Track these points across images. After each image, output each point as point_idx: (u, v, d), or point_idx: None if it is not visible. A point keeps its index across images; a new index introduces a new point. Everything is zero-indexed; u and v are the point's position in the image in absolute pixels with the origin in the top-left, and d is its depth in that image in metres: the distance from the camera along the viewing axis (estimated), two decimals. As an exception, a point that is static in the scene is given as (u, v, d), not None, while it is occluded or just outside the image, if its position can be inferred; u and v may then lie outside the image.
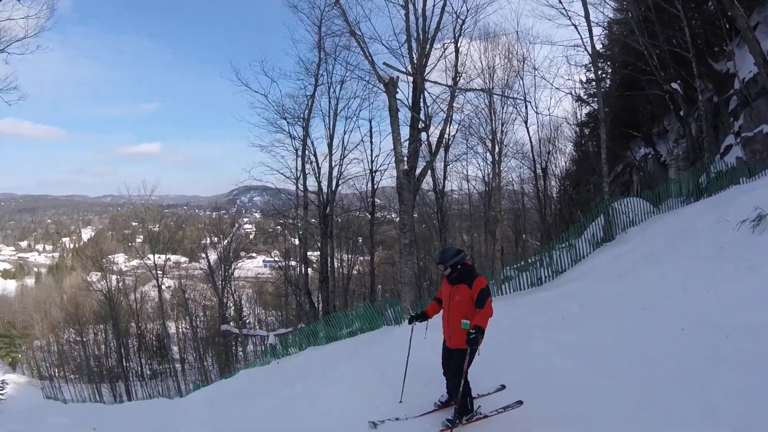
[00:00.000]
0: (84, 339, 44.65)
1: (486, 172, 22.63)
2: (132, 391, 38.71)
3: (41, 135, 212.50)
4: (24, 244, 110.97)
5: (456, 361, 5.27)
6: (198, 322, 42.89)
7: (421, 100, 13.87)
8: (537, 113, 21.78)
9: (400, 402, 6.27)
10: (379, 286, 25.50)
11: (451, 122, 15.54)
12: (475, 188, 24.05)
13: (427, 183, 18.93)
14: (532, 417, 5.30)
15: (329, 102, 21.85)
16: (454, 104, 15.01)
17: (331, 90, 21.73)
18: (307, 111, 21.25)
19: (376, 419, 5.84)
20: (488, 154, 21.34)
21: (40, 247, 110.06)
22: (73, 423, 23.91)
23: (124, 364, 40.73)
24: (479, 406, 5.62)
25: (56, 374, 46.29)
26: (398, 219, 15.10)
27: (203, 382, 29.74)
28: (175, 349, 43.54)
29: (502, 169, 20.80)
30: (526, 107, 21.21)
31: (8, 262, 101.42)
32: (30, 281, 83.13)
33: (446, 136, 16.72)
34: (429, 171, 16.07)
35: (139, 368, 42.46)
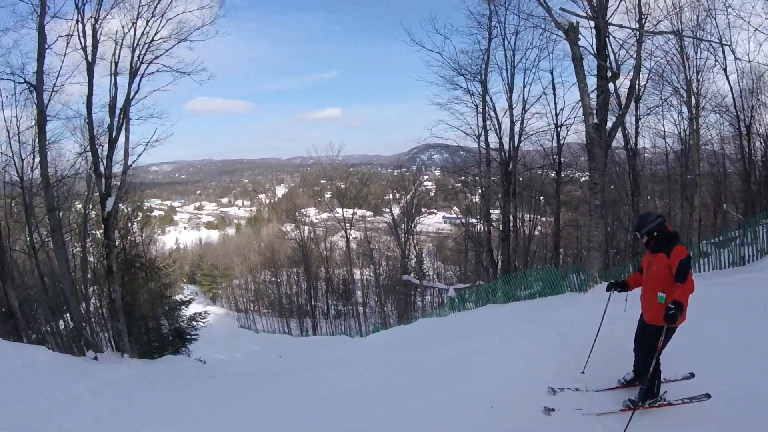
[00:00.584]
0: (278, 279, 51.63)
1: (682, 127, 19.49)
2: (317, 327, 43.62)
3: (233, 108, 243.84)
4: (224, 200, 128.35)
5: (650, 338, 4.80)
6: (381, 271, 45.87)
7: (607, 46, 12.39)
8: (736, 59, 17.79)
9: (582, 372, 5.93)
10: (562, 250, 24.11)
11: (640, 71, 13.62)
12: (671, 147, 21.00)
13: (616, 140, 16.91)
14: (717, 415, 4.69)
15: (505, 54, 20.73)
16: (643, 50, 13.08)
17: (506, 42, 20.53)
18: (483, 65, 20.48)
19: (556, 386, 5.61)
20: (683, 106, 18.44)
21: (239, 202, 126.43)
22: (263, 349, 27.91)
23: (312, 303, 46.05)
24: (665, 392, 5.07)
25: (251, 308, 54.51)
26: (587, 178, 14.05)
27: (382, 325, 32.00)
28: (359, 293, 47.59)
29: (700, 125, 17.84)
30: (723, 51, 17.49)
31: (212, 216, 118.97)
32: (231, 231, 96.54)
33: (636, 86, 14.66)
34: (619, 126, 14.44)
35: (325, 308, 47.77)
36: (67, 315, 14.64)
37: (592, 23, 12.21)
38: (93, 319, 17.51)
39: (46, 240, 16.43)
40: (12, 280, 12.66)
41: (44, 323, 14.99)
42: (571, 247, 27.06)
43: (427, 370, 7.93)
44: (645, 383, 4.83)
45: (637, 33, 12.85)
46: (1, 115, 15.45)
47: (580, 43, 12.02)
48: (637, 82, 13.83)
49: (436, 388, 6.73)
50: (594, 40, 12.30)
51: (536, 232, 25.88)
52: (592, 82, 12.60)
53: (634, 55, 12.86)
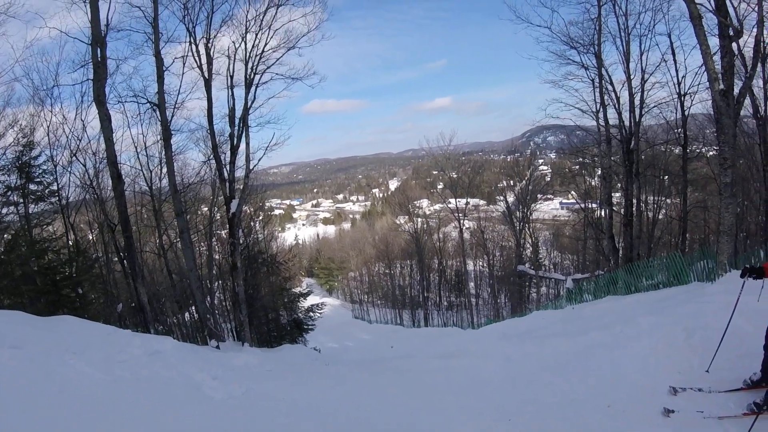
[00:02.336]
0: (391, 272, 52.89)
1: None
2: (429, 318, 43.82)
3: (345, 108, 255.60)
4: (340, 197, 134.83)
5: None
6: (494, 261, 45.04)
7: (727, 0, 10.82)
8: None
9: (707, 371, 5.48)
10: (688, 235, 21.79)
11: (764, 25, 11.72)
12: None
13: (744, 107, 14.77)
14: None
15: (617, 21, 18.88)
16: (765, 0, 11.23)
17: (617, 7, 18.64)
18: (596, 35, 18.89)
19: (678, 385, 5.30)
20: None
21: (354, 198, 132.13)
22: (376, 339, 28.49)
23: (425, 294, 46.56)
24: None
25: (365, 299, 56.26)
26: (716, 152, 12.45)
27: (495, 317, 31.28)
28: (472, 284, 47.22)
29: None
30: None
31: (328, 212, 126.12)
32: (346, 225, 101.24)
33: (762, 43, 12.66)
34: (747, 91, 12.60)
35: (438, 299, 47.90)
36: (193, 308, 16.11)
37: (708, -25, 10.78)
38: (217, 312, 19.10)
39: (175, 241, 18.25)
40: (142, 278, 14.21)
41: (171, 316, 16.68)
42: (698, 232, 24.36)
43: (541, 365, 7.72)
44: None
45: (757, -19, 11.13)
46: (128, 133, 17.42)
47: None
48: (762, 39, 11.97)
49: (550, 384, 6.61)
50: (711, -7, 10.85)
51: (661, 216, 23.58)
52: (713, 43, 11.13)
53: (756, 8, 11.15)
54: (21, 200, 14.33)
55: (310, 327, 22.43)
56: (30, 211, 14.63)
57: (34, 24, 22.63)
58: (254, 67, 15.96)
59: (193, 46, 15.38)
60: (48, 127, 16.27)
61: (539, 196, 45.01)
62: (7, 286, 12.12)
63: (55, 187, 15.68)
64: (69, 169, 16.84)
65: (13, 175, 14.25)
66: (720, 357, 5.43)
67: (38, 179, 14.76)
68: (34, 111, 16.09)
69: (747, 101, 15.37)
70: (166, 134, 14.77)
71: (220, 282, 21.73)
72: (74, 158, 16.82)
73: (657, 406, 5.01)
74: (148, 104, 15.17)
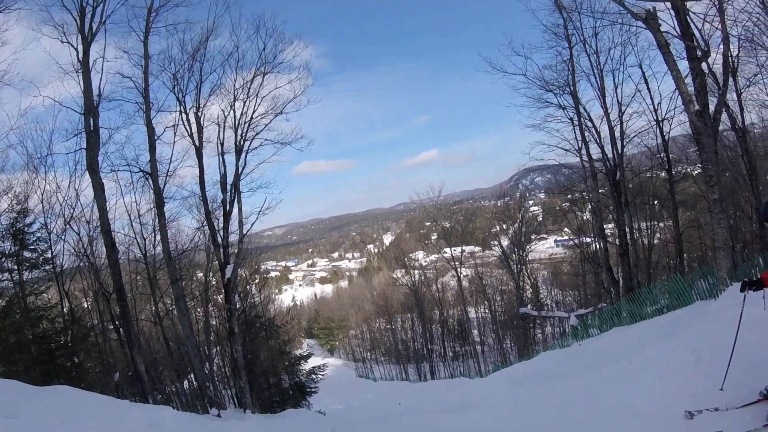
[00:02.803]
0: (392, 326, 52.38)
1: None
2: (435, 371, 42.96)
3: (335, 168, 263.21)
4: (335, 255, 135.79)
5: None
6: (496, 307, 44.54)
7: (690, 24, 11.34)
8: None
9: (721, 389, 5.34)
10: (685, 255, 21.81)
11: (729, 41, 12.26)
12: None
13: (722, 122, 15.17)
14: None
15: (589, 59, 19.65)
16: (726, 17, 11.77)
17: (588, 46, 19.47)
18: (569, 76, 19.61)
19: (693, 408, 5.18)
20: None
21: (349, 255, 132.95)
22: (381, 397, 27.73)
23: (429, 346, 45.81)
24: None
25: (368, 357, 55.32)
26: (700, 171, 12.64)
27: (503, 363, 30.63)
28: (476, 332, 46.44)
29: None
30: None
31: (324, 271, 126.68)
32: (344, 283, 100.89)
33: (729, 58, 13.16)
34: (722, 107, 13.01)
35: (442, 350, 47.05)
36: (191, 375, 15.67)
37: (668, 4, 11.32)
38: (216, 378, 18.62)
39: (171, 308, 18.02)
40: (139, 346, 13.92)
41: (169, 384, 16.18)
42: (695, 250, 24.41)
43: (551, 407, 7.58)
44: None
45: (716, 0, 11.70)
46: (122, 201, 17.54)
47: (661, 28, 11.15)
48: (729, 54, 12.44)
49: (563, 425, 6.53)
50: (675, 21, 11.35)
51: (656, 241, 23.62)
52: (684, 66, 11.63)
53: (719, 27, 11.68)
54: (15, 267, 14.11)
55: (313, 390, 21.86)
56: (24, 279, 14.40)
57: (29, 92, 23.19)
58: (244, 134, 16.35)
59: (184, 115, 15.80)
60: (42, 194, 16.40)
61: (533, 236, 45.23)
62: (1, 354, 11.81)
63: (49, 255, 15.55)
64: (63, 237, 16.81)
65: (7, 242, 14.10)
66: (732, 373, 5.32)
67: (32, 246, 14.59)
68: (28, 178, 16.28)
69: (724, 116, 15.81)
70: (159, 202, 14.87)
71: (218, 348, 21.27)
72: (68, 226, 16.83)
73: (675, 433, 4.82)
74: (141, 173, 15.35)
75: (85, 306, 19.41)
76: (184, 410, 12.80)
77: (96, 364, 15.45)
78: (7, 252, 14.05)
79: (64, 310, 16.04)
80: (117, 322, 16.25)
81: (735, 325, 5.38)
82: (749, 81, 17.25)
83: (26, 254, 14.35)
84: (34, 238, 14.76)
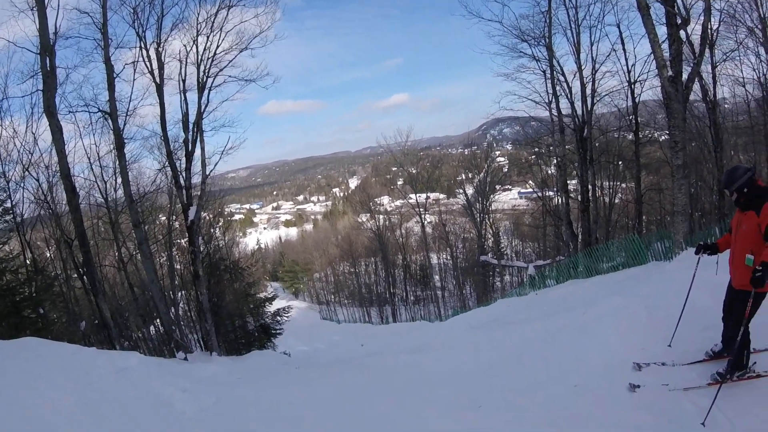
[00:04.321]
0: (356, 270, 53.04)
1: (761, 72, 17.52)
2: (397, 314, 44.14)
3: (303, 108, 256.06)
4: (300, 198, 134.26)
5: (738, 304, 4.45)
6: (458, 253, 45.65)
7: None
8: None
9: (669, 346, 5.68)
10: (644, 217, 22.63)
11: (711, 13, 12.32)
12: (752, 94, 18.91)
13: (694, 92, 15.41)
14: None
15: (567, 13, 19.46)
16: None
17: (567, 0, 19.46)
18: (546, 28, 19.43)
19: (641, 361, 5.46)
20: (761, 48, 16.55)
21: (314, 198, 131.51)
22: (345, 339, 28.51)
23: (391, 290, 46.78)
24: (755, 363, 4.75)
25: (332, 300, 56.34)
26: (667, 136, 12.99)
27: (462, 308, 31.69)
28: (437, 278, 47.57)
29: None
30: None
31: (289, 214, 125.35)
32: (308, 227, 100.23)
33: (709, 30, 13.24)
34: (696, 77, 13.19)
35: (404, 294, 48.26)
36: (158, 320, 15.67)
37: (653, -35, 11.23)
38: (182, 323, 18.62)
39: (134, 253, 17.67)
40: (103, 293, 13.74)
41: (136, 330, 16.17)
42: (654, 213, 25.35)
43: (508, 351, 7.78)
44: (732, 354, 4.55)
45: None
46: (81, 144, 16.80)
47: (644, -11, 11.06)
48: (709, 26, 12.53)
49: (518, 368, 6.68)
50: (659, -17, 11.30)
51: (617, 200, 24.37)
52: (662, 31, 11.60)
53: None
54: (-26, 220, 13.49)
55: (278, 331, 22.14)
56: (-17, 231, 13.84)
57: None
58: (206, 70, 15.54)
59: (144, 51, 14.87)
60: (-2, 141, 15.53)
61: (498, 187, 45.86)
62: None
63: (8, 204, 14.85)
64: (22, 185, 16.03)
65: None
66: (682, 331, 5.61)
67: (-9, 197, 13.96)
68: (-18, 125, 15.27)
69: (696, 86, 16.09)
70: (119, 143, 14.28)
71: (183, 292, 21.15)
72: (27, 173, 16.02)
73: (623, 383, 5.14)
74: (100, 113, 14.61)
75: (48, 255, 18.86)
76: (151, 355, 12.86)
77: (62, 314, 15.14)
78: (-36, 204, 13.35)
79: (27, 261, 15.54)
80: (81, 270, 15.83)
81: (688, 286, 5.65)
82: (726, 56, 17.53)
83: (-15, 205, 13.71)
84: (-7, 188, 14.07)
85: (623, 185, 25.56)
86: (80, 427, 5.16)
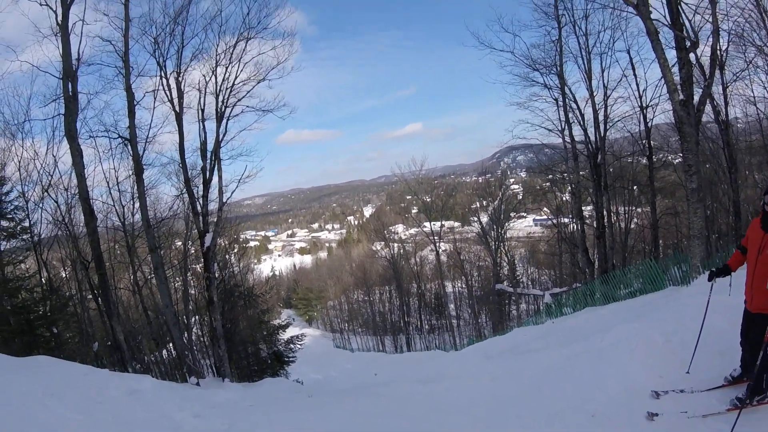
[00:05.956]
0: (371, 298, 52.72)
1: None
2: (411, 343, 43.63)
3: (318, 138, 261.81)
4: (315, 226, 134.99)
5: (757, 329, 4.35)
6: (473, 282, 45.11)
7: (681, 14, 11.40)
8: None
9: (687, 372, 5.53)
10: (661, 242, 22.32)
11: (719, 34, 12.40)
12: (764, 113, 18.78)
13: (706, 113, 15.33)
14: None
15: (578, 41, 19.68)
16: (718, 11, 11.87)
17: (577, 28, 19.48)
18: (557, 57, 19.69)
19: (659, 389, 5.30)
20: None
21: (329, 226, 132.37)
22: (359, 368, 28.19)
23: (406, 319, 46.46)
24: None
25: (345, 328, 55.94)
26: (681, 160, 12.89)
27: (477, 337, 31.22)
28: (452, 306, 47.12)
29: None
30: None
31: (304, 242, 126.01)
32: (323, 254, 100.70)
33: (718, 51, 13.27)
34: (707, 98, 13.19)
35: (419, 323, 47.75)
36: (170, 344, 15.69)
37: (661, -9, 11.38)
38: (195, 347, 18.65)
39: (149, 277, 17.83)
40: (117, 315, 13.84)
41: (148, 353, 16.21)
42: (670, 237, 25.00)
43: (525, 380, 7.70)
44: (752, 379, 4.39)
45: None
46: (100, 168, 17.21)
47: (652, 15, 11.17)
48: (718, 47, 12.59)
49: (534, 397, 6.56)
50: (666, 9, 11.41)
51: (632, 225, 24.08)
52: (671, 55, 11.71)
53: (710, 19, 11.77)
54: (-8, 237, 13.81)
55: (291, 359, 22.04)
56: (1, 249, 14.14)
57: (5, 57, 22.34)
58: (225, 100, 15.96)
59: (164, 80, 15.36)
60: (19, 162, 16.05)
61: (512, 214, 45.55)
62: None
63: (27, 224, 15.24)
64: (41, 205, 16.51)
65: None
66: (699, 357, 5.49)
67: (10, 215, 14.23)
68: (4, 145, 15.86)
69: (708, 108, 16.02)
70: (138, 169, 14.59)
71: (197, 317, 21.26)
72: (46, 194, 16.48)
73: (641, 411, 5.01)
74: (120, 139, 14.94)
75: (64, 275, 19.15)
76: (163, 379, 12.86)
77: (75, 334, 15.34)
78: (-17, 221, 13.69)
79: (42, 279, 15.82)
80: (95, 292, 15.99)
81: (703, 311, 5.53)
82: (736, 76, 17.43)
83: (3, 223, 13.99)
84: (11, 207, 14.38)
85: (638, 210, 25.28)
86: (89, 446, 5.15)
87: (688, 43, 11.19)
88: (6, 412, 5.20)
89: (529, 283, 43.72)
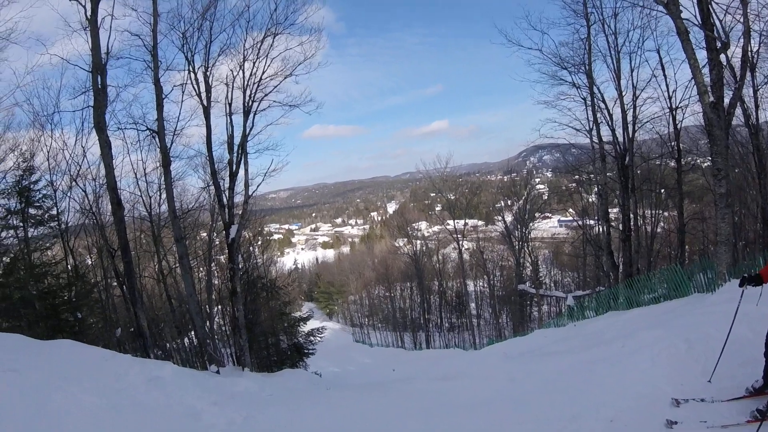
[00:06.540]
0: (392, 294, 52.82)
1: None
2: (431, 341, 43.60)
3: (344, 133, 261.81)
4: (338, 221, 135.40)
5: None
6: (494, 281, 44.80)
7: (711, 14, 11.06)
8: None
9: (709, 381, 5.44)
10: (687, 247, 21.78)
11: (750, 35, 12.01)
12: None
13: (736, 117, 14.86)
14: None
15: (607, 40, 19.20)
16: (749, 11, 11.49)
17: (606, 26, 18.98)
18: (585, 55, 19.20)
19: (680, 397, 5.25)
20: None
21: (352, 221, 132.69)
22: (377, 363, 28.30)
23: (426, 316, 46.38)
24: None
25: (365, 323, 56.19)
26: (709, 163, 12.55)
27: (497, 338, 31.00)
28: (473, 305, 46.60)
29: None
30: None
31: (327, 236, 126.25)
32: (345, 249, 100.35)
33: (749, 52, 12.86)
34: (737, 101, 12.81)
35: (439, 321, 47.80)
36: (192, 333, 16.00)
37: (691, -10, 11.08)
38: (216, 336, 18.99)
39: (174, 267, 18.21)
40: (141, 303, 14.13)
41: (170, 341, 16.56)
42: (697, 243, 24.37)
43: (543, 383, 7.69)
44: None
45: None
46: (128, 159, 17.60)
47: (682, 15, 10.86)
48: (749, 48, 12.20)
49: (552, 400, 6.56)
50: (696, 9, 11.09)
51: (659, 229, 23.55)
52: (702, 56, 11.38)
53: (741, 19, 11.41)
54: (21, 224, 14.27)
55: (310, 351, 22.28)
56: (29, 236, 14.59)
57: (36, 50, 22.95)
58: (252, 95, 16.14)
59: (192, 74, 15.63)
60: (48, 152, 16.41)
61: (537, 214, 45.05)
62: (5, 309, 12.11)
63: (54, 212, 15.69)
64: (69, 194, 16.91)
65: (13, 199, 14.22)
66: (721, 366, 5.40)
67: (38, 203, 14.76)
68: (34, 136, 16.22)
69: (738, 111, 15.57)
70: (166, 161, 14.88)
71: (219, 307, 21.67)
72: (74, 183, 16.92)
73: (660, 419, 4.96)
74: (148, 131, 15.32)
75: (89, 263, 19.67)
76: (184, 366, 13.14)
77: (99, 320, 15.78)
78: (12, 209, 14.19)
79: (69, 266, 16.24)
80: (120, 279, 16.37)
81: (730, 319, 5.42)
82: (767, 78, 16.94)
83: (31, 211, 14.51)
84: (40, 195, 14.90)
85: (665, 214, 24.75)
86: (102, 430, 5.27)
87: (718, 44, 10.88)
88: (26, 393, 5.37)
89: (552, 284, 43.12)
